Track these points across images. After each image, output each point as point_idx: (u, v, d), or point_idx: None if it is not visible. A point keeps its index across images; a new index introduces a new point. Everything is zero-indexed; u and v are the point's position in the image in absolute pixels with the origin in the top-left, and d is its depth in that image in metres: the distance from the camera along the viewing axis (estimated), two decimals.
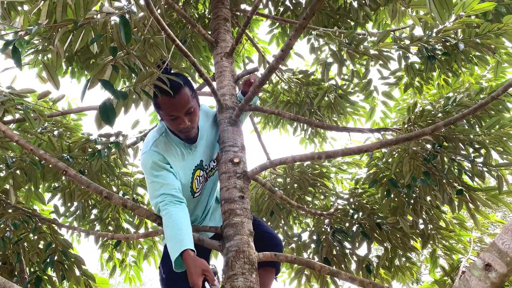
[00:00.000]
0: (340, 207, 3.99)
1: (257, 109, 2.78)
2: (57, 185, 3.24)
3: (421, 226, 3.64)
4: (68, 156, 3.01)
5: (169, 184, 2.04)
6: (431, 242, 3.70)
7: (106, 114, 1.76)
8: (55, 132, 3.17)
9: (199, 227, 2.45)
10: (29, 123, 2.50)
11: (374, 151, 3.53)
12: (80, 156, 3.08)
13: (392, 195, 3.39)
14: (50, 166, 2.98)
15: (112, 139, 3.10)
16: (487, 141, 3.07)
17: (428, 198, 3.45)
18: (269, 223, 4.17)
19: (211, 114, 2.62)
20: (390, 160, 3.46)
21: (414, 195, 3.40)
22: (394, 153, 3.42)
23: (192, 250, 1.89)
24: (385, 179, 3.44)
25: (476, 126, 3.14)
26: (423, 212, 3.52)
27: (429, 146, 3.21)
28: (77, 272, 3.34)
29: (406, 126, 3.28)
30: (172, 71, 2.23)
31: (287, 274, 4.41)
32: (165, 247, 2.34)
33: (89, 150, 3.08)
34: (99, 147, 3.01)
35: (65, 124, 3.27)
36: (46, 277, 3.11)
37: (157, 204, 2.02)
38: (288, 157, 2.49)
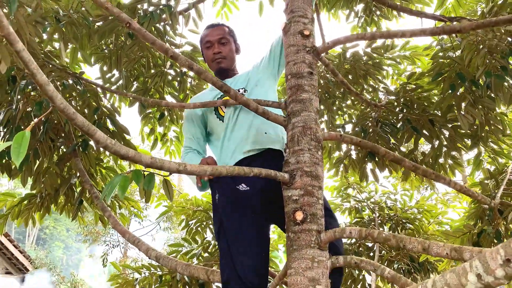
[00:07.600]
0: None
1: None
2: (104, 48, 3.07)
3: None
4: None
5: (190, 139, 2.39)
6: (481, 144, 3.56)
7: None
8: None
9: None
10: None
11: (444, 39, 3.22)
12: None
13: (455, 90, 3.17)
14: (105, 20, 2.77)
15: (163, 1, 2.84)
16: None
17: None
18: None
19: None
20: (457, 53, 3.18)
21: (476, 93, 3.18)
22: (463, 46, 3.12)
23: None
24: (447, 72, 3.19)
25: None
26: (482, 113, 3.32)
27: (510, 39, 2.91)
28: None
29: (487, 16, 2.94)
30: None
31: (328, 164, 4.40)
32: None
33: (139, 12, 2.84)
34: (150, 9, 2.77)
35: None
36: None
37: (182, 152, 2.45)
38: (367, 33, 2.26)
